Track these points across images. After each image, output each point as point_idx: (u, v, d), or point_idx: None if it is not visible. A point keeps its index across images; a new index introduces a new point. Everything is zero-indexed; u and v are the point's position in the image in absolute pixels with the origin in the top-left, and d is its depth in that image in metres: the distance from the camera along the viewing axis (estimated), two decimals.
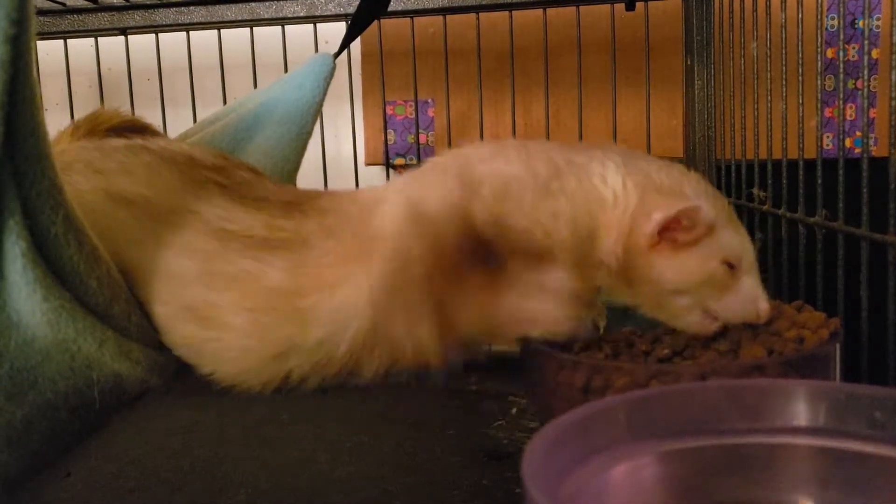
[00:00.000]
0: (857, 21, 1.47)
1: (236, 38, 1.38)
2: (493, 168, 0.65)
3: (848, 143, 1.47)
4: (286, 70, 1.32)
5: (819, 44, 0.87)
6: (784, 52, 0.94)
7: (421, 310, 0.63)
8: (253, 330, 0.63)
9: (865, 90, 0.77)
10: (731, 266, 0.64)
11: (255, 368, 0.65)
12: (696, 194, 0.65)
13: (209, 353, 0.65)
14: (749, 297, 0.65)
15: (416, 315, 0.63)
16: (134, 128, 0.87)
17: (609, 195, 0.64)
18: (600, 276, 0.66)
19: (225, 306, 0.64)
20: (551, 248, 0.64)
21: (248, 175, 0.72)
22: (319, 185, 1.38)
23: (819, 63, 0.87)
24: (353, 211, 0.67)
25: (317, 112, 1.04)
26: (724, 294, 0.64)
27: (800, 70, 0.90)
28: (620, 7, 1.32)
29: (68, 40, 1.40)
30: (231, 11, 1.35)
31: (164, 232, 0.65)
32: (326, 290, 0.63)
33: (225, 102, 1.37)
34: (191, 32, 1.38)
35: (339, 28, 1.30)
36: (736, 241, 0.66)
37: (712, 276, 0.64)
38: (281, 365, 0.65)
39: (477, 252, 0.63)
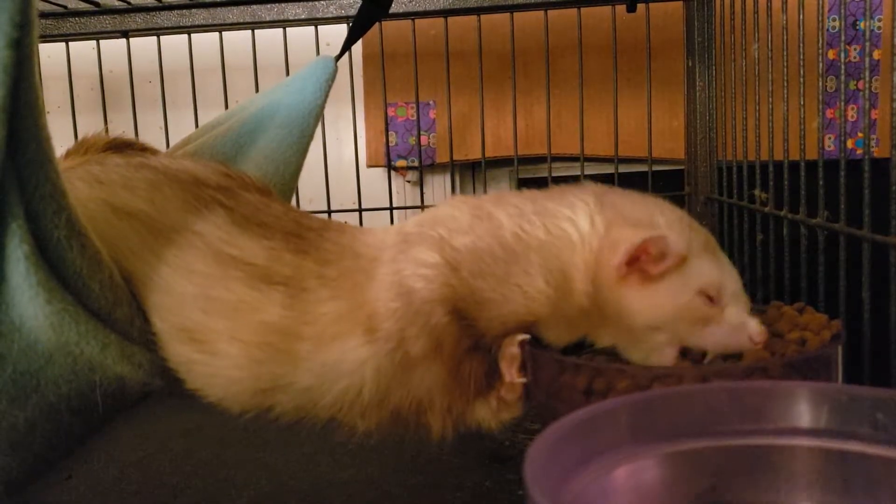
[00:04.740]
0: (858, 22, 1.47)
1: (238, 40, 1.38)
2: (469, 244, 0.64)
3: (849, 144, 1.47)
4: (287, 72, 1.32)
5: (820, 45, 0.87)
6: (785, 53, 0.94)
7: (425, 396, 0.65)
8: (244, 362, 0.63)
9: (867, 91, 0.77)
10: (710, 298, 0.61)
11: (239, 397, 0.65)
12: (669, 225, 0.63)
13: (198, 375, 0.65)
14: (736, 326, 0.61)
15: (422, 399, 0.65)
16: (123, 145, 0.88)
17: (576, 235, 0.63)
18: (579, 319, 0.64)
19: (219, 333, 0.63)
20: (534, 308, 0.63)
21: (253, 197, 0.72)
22: (322, 188, 1.39)
23: (820, 64, 0.87)
24: (351, 267, 0.67)
25: (318, 115, 1.04)
26: (706, 328, 0.61)
27: (801, 71, 0.90)
28: (622, 9, 1.32)
29: (70, 43, 1.40)
30: (232, 14, 1.35)
31: (164, 249, 0.65)
32: (323, 342, 0.63)
33: (226, 104, 1.37)
34: (192, 35, 1.38)
35: (341, 30, 1.30)
36: (714, 271, 0.62)
37: (687, 309, 0.61)
38: (265, 399, 0.65)
39: (468, 333, 0.64)
